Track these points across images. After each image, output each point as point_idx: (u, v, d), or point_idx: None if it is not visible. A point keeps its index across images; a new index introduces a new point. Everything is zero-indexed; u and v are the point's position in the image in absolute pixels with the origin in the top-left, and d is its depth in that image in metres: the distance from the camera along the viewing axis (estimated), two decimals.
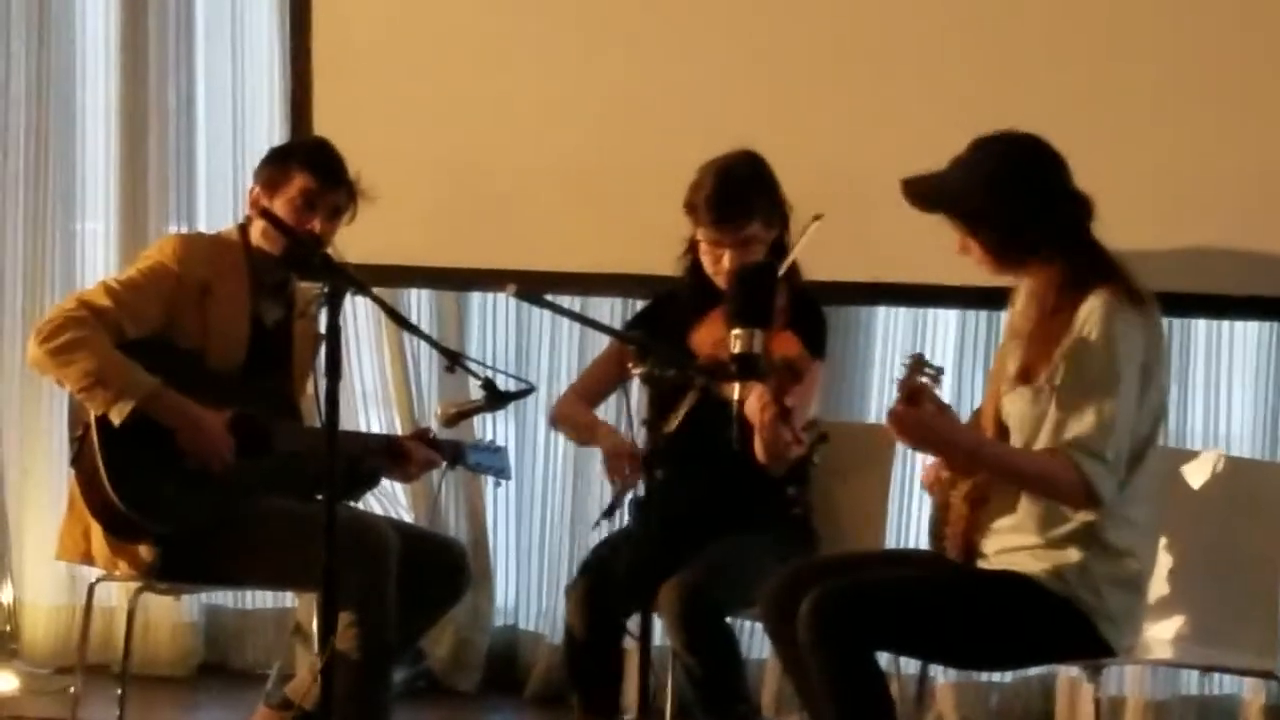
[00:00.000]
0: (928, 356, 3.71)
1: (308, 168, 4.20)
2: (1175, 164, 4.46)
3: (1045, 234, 3.61)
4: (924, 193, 3.68)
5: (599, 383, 4.47)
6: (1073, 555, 3.58)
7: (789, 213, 4.22)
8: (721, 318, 4.01)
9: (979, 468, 3.66)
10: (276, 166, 4.25)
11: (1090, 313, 3.55)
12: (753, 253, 4.15)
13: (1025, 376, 3.62)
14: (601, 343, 4.55)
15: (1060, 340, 3.57)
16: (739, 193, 4.15)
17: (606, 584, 4.08)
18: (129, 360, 4.03)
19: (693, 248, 4.28)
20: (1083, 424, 3.50)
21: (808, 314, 4.20)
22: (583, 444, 4.46)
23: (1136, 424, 3.56)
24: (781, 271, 4.05)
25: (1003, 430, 3.69)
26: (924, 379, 3.58)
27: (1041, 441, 3.59)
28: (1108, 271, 3.61)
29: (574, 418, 4.40)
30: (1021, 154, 3.64)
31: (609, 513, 3.96)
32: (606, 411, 4.90)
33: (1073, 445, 3.50)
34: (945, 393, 4.61)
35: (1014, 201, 3.61)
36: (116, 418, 3.98)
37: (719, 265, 4.16)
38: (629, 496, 4.07)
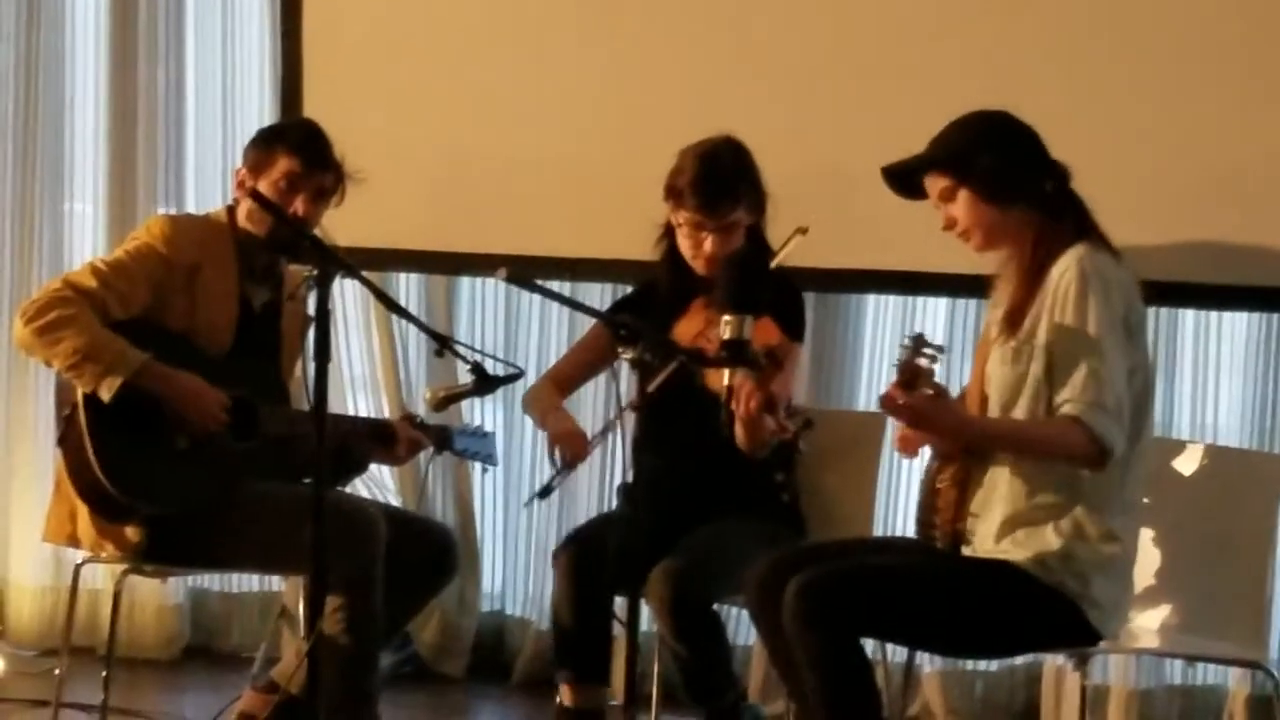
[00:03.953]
0: None
1: (293, 150, 4.19)
2: (1165, 155, 4.46)
3: (1033, 184, 3.63)
4: (909, 164, 3.70)
5: (575, 370, 4.45)
6: (1054, 541, 3.58)
7: (766, 199, 4.21)
8: (703, 309, 4.01)
9: (980, 445, 3.66)
10: (262, 148, 4.25)
11: (1065, 270, 3.55)
12: (734, 238, 4.14)
13: (1005, 334, 3.62)
14: (590, 326, 4.54)
15: (1035, 299, 3.58)
16: (725, 178, 4.13)
17: (594, 553, 4.07)
18: (117, 336, 4.02)
19: (669, 233, 4.27)
20: (1074, 383, 3.50)
21: (785, 297, 4.19)
22: (541, 429, 4.44)
23: (1128, 377, 3.55)
24: (773, 264, 4.05)
25: (985, 402, 3.69)
26: (923, 360, 3.56)
27: (1021, 405, 3.59)
28: (1083, 227, 3.63)
29: (538, 401, 4.37)
30: (999, 116, 3.69)
31: (544, 493, 3.97)
32: (596, 395, 4.92)
33: (1070, 402, 3.50)
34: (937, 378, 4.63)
35: (1001, 148, 3.64)
36: (106, 393, 3.96)
37: (699, 250, 4.15)
38: (567, 476, 4.09)
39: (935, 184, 3.70)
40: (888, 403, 3.53)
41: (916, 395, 3.52)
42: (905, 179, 3.75)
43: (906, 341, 3.60)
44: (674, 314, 4.18)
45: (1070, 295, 3.53)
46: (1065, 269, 3.56)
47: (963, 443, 3.67)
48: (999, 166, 3.63)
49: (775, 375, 3.77)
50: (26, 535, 5.25)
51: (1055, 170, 3.67)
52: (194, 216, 4.47)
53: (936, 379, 3.65)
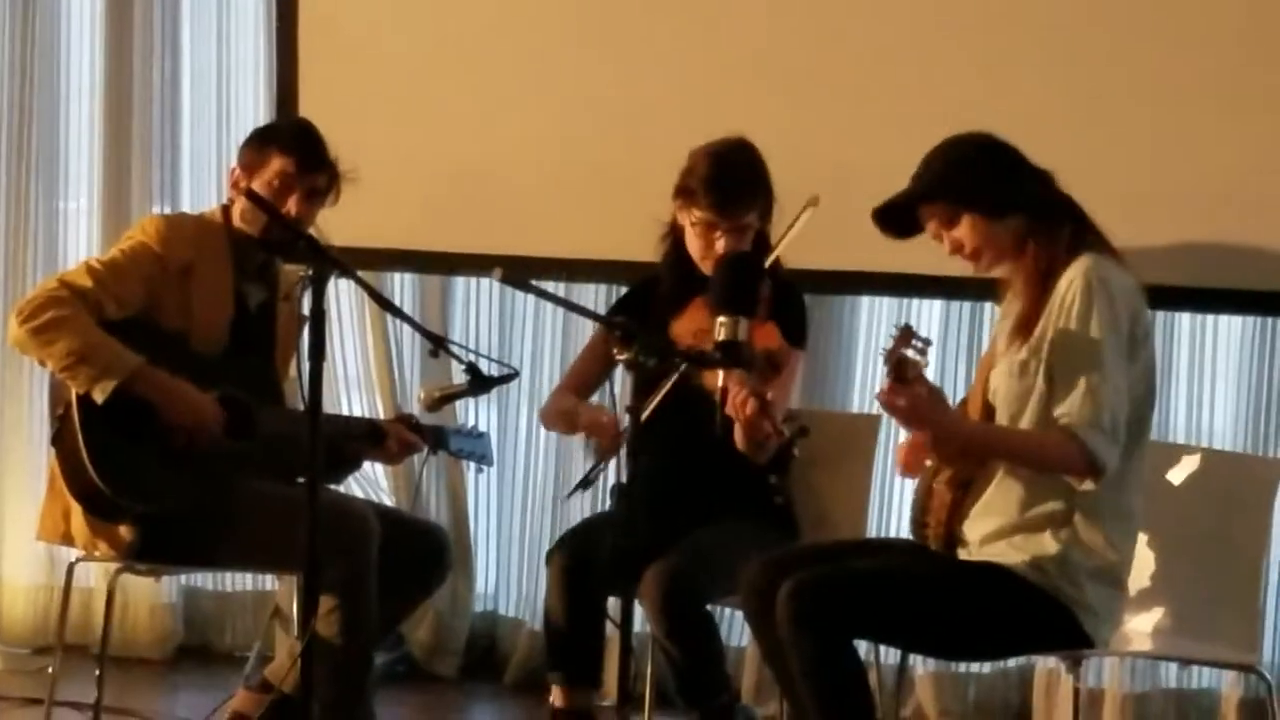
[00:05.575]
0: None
1: (286, 150, 4.19)
2: (1161, 158, 4.46)
3: (1025, 190, 3.63)
4: (901, 200, 3.71)
5: (586, 375, 4.44)
6: (1051, 546, 3.59)
7: (774, 203, 4.21)
8: (703, 306, 4.01)
9: (974, 448, 3.66)
10: (256, 148, 4.24)
11: (1070, 284, 3.56)
12: (745, 240, 4.14)
13: (1013, 347, 3.62)
14: (585, 327, 4.54)
15: (1044, 311, 3.58)
16: (742, 179, 4.13)
17: (587, 555, 4.07)
18: (111, 338, 4.01)
19: (674, 232, 4.27)
20: (1073, 398, 3.51)
21: (789, 303, 4.20)
22: (571, 432, 4.44)
23: (1129, 389, 3.56)
24: (770, 260, 4.05)
25: (990, 414, 3.69)
26: (911, 350, 3.56)
27: (1027, 417, 3.60)
28: (1081, 228, 3.63)
29: (559, 409, 4.37)
30: (975, 138, 3.70)
31: (585, 483, 3.95)
32: (592, 401, 4.92)
33: (1068, 418, 3.50)
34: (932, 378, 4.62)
35: (986, 164, 3.65)
36: (99, 396, 3.96)
37: (710, 250, 4.14)
38: (605, 467, 4.04)
39: (932, 214, 3.70)
40: (884, 399, 3.53)
41: (913, 390, 3.52)
42: (895, 219, 3.75)
43: (895, 331, 3.60)
44: (672, 312, 4.18)
45: (1075, 309, 3.53)
46: (1071, 280, 3.56)
47: (956, 446, 3.66)
48: (990, 181, 3.64)
49: (773, 379, 3.77)
50: (20, 534, 5.25)
51: (1040, 175, 3.68)
52: (188, 216, 4.47)
53: (933, 381, 3.64)
